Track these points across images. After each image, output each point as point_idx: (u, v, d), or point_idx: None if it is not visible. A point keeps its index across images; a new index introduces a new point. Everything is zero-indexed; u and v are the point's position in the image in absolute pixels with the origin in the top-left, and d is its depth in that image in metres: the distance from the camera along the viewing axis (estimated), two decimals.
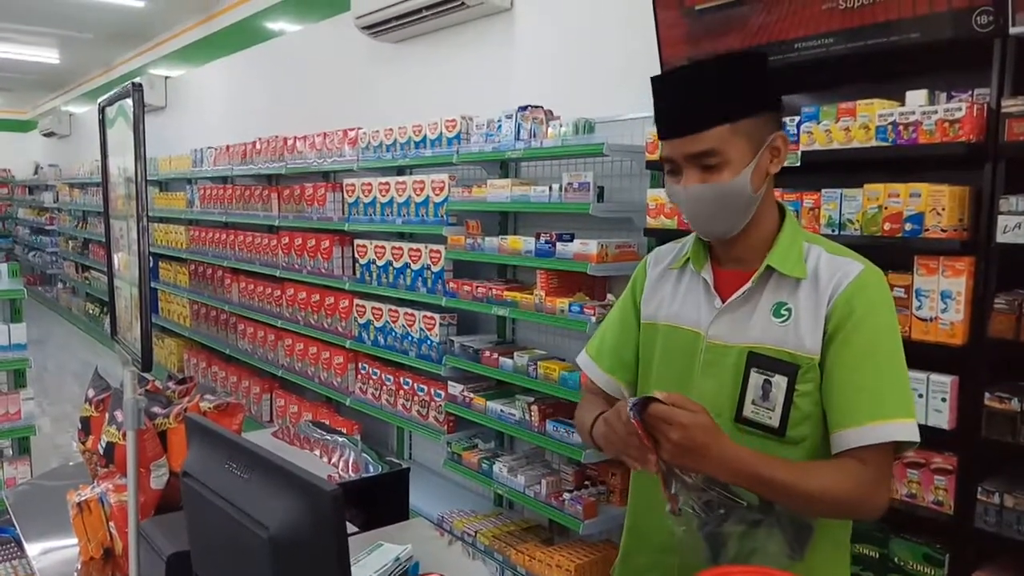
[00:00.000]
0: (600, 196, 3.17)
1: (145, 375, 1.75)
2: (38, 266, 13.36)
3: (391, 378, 4.32)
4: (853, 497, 1.23)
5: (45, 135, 13.56)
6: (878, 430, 1.23)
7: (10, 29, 8.18)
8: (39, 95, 13.42)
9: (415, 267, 4.07)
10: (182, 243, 6.93)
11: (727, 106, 1.27)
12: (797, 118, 2.46)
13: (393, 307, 4.25)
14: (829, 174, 2.43)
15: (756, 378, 1.32)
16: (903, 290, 2.19)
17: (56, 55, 9.61)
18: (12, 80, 11.69)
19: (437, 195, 3.90)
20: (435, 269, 3.94)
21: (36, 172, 13.73)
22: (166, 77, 8.65)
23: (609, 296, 3.23)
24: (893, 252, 2.21)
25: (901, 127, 2.19)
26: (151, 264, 7.62)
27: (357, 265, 4.57)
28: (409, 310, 4.12)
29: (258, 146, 5.78)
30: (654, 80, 1.36)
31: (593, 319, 3.01)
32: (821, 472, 1.24)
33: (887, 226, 2.21)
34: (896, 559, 2.28)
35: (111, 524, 1.79)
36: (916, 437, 1.24)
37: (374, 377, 4.47)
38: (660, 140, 1.36)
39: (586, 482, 3.33)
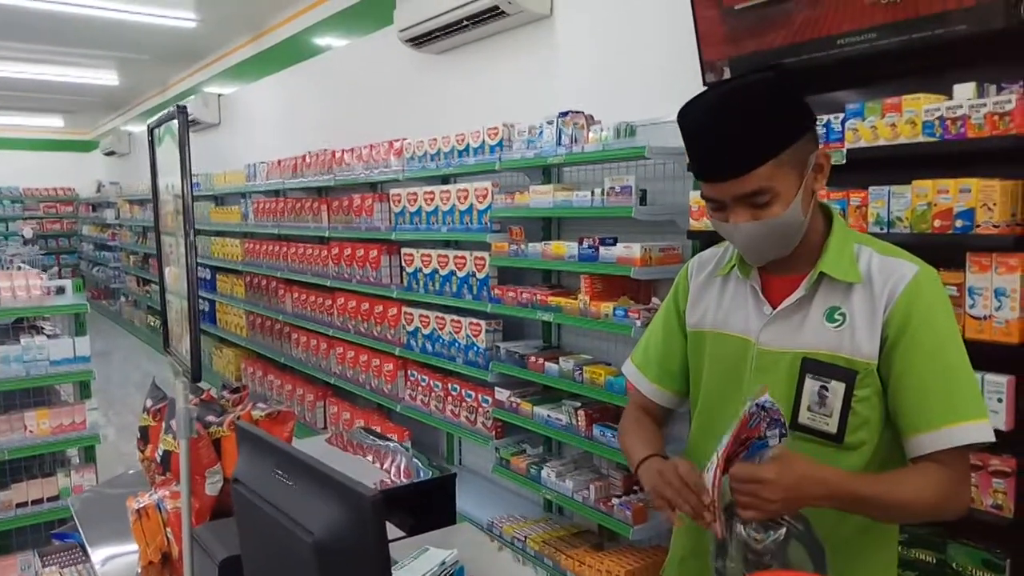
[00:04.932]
0: (643, 199, 3.16)
1: (199, 385, 1.81)
2: (102, 280, 13.82)
3: (439, 384, 4.36)
4: (940, 500, 1.24)
5: (106, 154, 14.03)
6: (954, 433, 1.22)
7: (73, 54, 8.52)
8: (100, 116, 13.93)
9: (460, 274, 4.11)
10: (238, 255, 7.11)
11: (770, 142, 1.21)
12: (841, 115, 2.42)
13: (440, 314, 4.29)
14: (876, 171, 2.38)
15: (811, 384, 1.30)
16: (955, 288, 2.13)
17: (115, 77, 9.96)
18: (75, 102, 12.19)
19: (481, 202, 3.93)
20: (480, 276, 3.97)
21: (98, 190, 14.21)
22: (219, 94, 8.89)
23: (654, 299, 3.21)
24: (944, 249, 2.15)
25: (949, 121, 2.14)
26: (209, 277, 7.85)
27: (404, 273, 4.63)
28: (455, 317, 4.16)
29: (308, 159, 5.90)
30: (681, 118, 1.29)
31: (638, 323, 3.00)
32: (909, 480, 1.24)
33: (937, 223, 2.16)
34: (954, 564, 2.22)
35: (168, 530, 1.85)
36: (991, 437, 1.23)
37: (423, 384, 4.52)
38: (699, 181, 1.30)
39: (635, 487, 3.30)
